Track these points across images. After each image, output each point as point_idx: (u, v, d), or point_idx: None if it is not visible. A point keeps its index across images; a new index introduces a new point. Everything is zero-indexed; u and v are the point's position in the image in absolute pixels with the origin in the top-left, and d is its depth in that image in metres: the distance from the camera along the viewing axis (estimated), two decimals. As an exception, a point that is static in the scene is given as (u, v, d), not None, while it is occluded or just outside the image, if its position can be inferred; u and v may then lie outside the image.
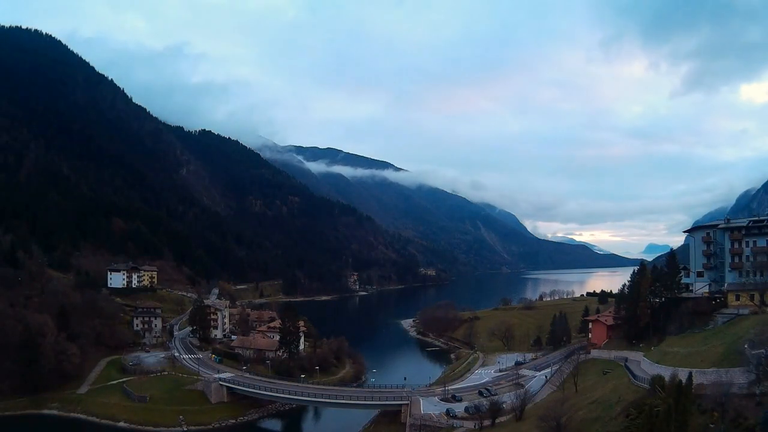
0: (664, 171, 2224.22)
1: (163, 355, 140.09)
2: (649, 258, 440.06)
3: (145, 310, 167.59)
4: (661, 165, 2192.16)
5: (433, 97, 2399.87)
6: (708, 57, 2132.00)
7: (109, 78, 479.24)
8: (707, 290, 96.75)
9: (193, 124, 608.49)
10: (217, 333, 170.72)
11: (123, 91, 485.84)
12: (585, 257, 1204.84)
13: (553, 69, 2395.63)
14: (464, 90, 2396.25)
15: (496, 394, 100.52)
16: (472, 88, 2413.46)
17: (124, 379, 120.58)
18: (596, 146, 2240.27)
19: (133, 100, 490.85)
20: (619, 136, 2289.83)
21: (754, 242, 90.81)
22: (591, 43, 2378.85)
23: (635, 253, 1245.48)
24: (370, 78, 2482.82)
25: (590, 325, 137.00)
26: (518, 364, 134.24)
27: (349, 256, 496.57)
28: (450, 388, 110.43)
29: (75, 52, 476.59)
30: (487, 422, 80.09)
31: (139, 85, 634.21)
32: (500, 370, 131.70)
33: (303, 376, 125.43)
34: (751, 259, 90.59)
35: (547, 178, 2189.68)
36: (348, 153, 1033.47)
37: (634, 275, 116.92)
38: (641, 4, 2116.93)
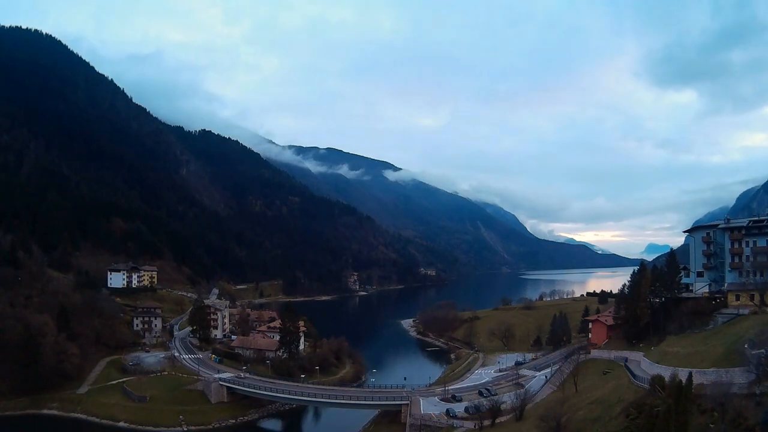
0: (677, 176, 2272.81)
1: (163, 355, 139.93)
2: (650, 258, 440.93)
3: (145, 310, 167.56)
4: (671, 170, 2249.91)
5: (487, 113, 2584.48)
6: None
7: (110, 78, 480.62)
8: (707, 290, 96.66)
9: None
10: (217, 333, 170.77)
11: (123, 91, 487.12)
12: (585, 257, 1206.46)
13: (599, 92, 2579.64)
14: (515, 107, 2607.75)
15: (496, 394, 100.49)
16: (524, 105, 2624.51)
17: (124, 379, 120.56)
18: (624, 156, 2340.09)
19: (133, 100, 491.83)
20: (649, 147, 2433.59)
21: (754, 242, 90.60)
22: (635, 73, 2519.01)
23: (635, 253, 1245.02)
24: (438, 95, 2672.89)
25: (590, 325, 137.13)
26: (518, 364, 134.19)
27: (349, 256, 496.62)
28: (450, 388, 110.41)
29: (75, 52, 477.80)
30: (487, 422, 80.00)
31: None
32: (500, 370, 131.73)
33: (303, 376, 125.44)
34: (751, 259, 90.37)
35: (566, 183, 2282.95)
36: (348, 153, 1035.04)
37: (634, 275, 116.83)
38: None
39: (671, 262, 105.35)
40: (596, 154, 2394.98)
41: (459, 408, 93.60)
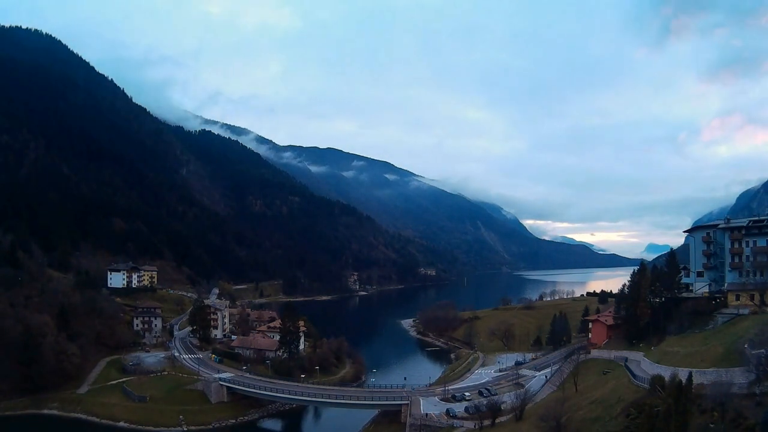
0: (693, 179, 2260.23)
1: (163, 355, 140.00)
2: (650, 258, 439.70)
3: (145, 310, 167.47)
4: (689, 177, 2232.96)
5: (557, 139, 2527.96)
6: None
7: (110, 78, 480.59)
8: (707, 290, 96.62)
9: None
10: (217, 333, 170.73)
11: (123, 91, 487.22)
12: (585, 257, 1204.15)
13: (665, 127, 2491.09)
14: (586, 136, 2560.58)
15: (496, 394, 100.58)
16: (597, 136, 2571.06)
17: (124, 379, 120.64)
18: (642, 162, 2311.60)
19: (133, 100, 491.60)
20: (670, 154, 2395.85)
21: (754, 242, 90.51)
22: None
23: (635, 253, 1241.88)
24: (526, 124, 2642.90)
25: (590, 325, 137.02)
26: (518, 364, 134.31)
27: (349, 256, 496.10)
28: (450, 388, 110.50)
29: (75, 52, 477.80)
30: (487, 422, 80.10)
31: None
32: (500, 370, 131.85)
33: (303, 376, 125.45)
34: (751, 259, 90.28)
35: (573, 187, 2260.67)
36: (348, 153, 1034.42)
37: (634, 275, 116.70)
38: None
39: (671, 262, 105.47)
40: (640, 168, 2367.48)
41: (459, 408, 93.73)
